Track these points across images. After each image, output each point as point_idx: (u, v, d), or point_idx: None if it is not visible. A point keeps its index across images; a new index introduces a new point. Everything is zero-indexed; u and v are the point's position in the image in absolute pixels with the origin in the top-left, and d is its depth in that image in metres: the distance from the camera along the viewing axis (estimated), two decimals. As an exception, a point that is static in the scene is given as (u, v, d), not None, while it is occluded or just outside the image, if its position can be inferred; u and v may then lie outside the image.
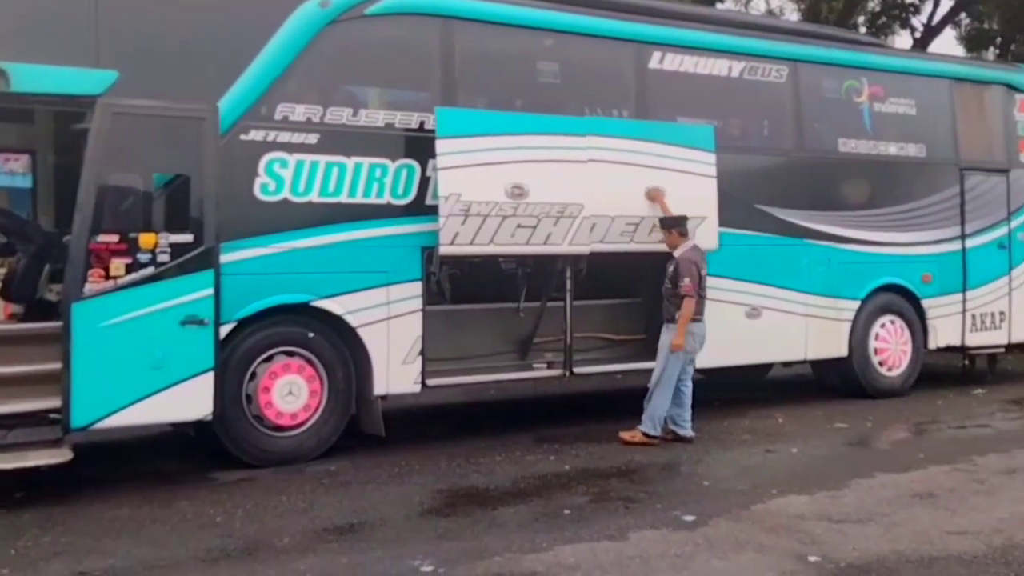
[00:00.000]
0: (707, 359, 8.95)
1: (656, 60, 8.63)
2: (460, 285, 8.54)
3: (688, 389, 7.93)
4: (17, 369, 6.29)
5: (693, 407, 8.00)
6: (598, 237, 7.80)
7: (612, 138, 7.95)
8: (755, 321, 9.14)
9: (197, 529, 5.64)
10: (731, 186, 8.93)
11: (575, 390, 10.57)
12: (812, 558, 5.00)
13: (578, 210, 7.66)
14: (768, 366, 11.14)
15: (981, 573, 4.77)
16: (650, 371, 7.94)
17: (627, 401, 9.98)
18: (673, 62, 8.70)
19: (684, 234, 7.83)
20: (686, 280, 7.57)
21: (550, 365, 8.31)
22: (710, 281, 8.72)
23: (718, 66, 9.00)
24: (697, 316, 7.74)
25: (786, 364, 10.62)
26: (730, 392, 10.48)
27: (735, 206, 8.93)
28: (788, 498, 6.19)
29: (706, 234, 8.16)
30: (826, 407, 9.60)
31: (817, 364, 10.17)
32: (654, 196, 7.98)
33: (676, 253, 7.77)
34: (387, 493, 6.43)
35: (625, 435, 7.72)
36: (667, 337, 7.80)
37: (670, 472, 6.98)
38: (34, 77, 6.06)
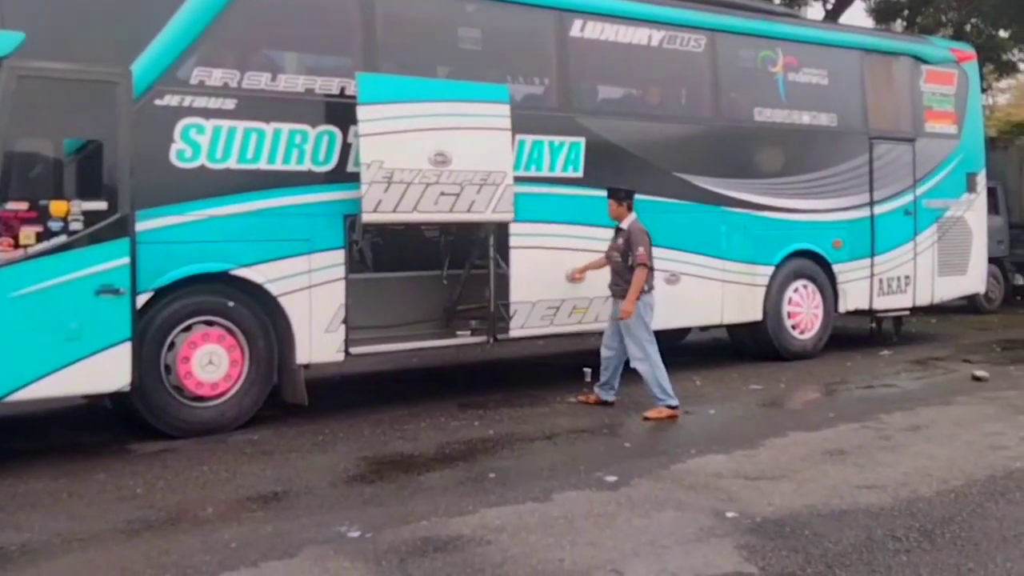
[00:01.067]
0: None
1: (577, 28, 8.67)
2: (384, 253, 8.51)
3: (622, 357, 7.92)
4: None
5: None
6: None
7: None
8: (674, 287, 9.31)
9: (116, 501, 5.55)
10: (650, 154, 9.09)
11: (498, 357, 10.65)
12: (729, 514, 5.16)
13: (501, 177, 7.68)
14: (686, 331, 11.37)
15: (888, 524, 4.98)
16: (572, 334, 8.06)
17: (550, 366, 10.20)
18: (594, 30, 8.75)
19: (631, 207, 7.86)
20: (640, 249, 7.55)
21: (474, 332, 8.35)
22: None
23: (639, 35, 9.09)
24: (648, 288, 7.73)
25: (703, 328, 10.86)
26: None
27: (655, 174, 9.09)
28: (706, 457, 6.37)
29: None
30: (741, 369, 9.88)
31: (733, 328, 10.45)
32: (577, 277, 8.40)
33: (625, 224, 7.76)
34: (311, 461, 6.42)
35: (651, 413, 7.58)
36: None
37: (592, 435, 7.11)
38: None
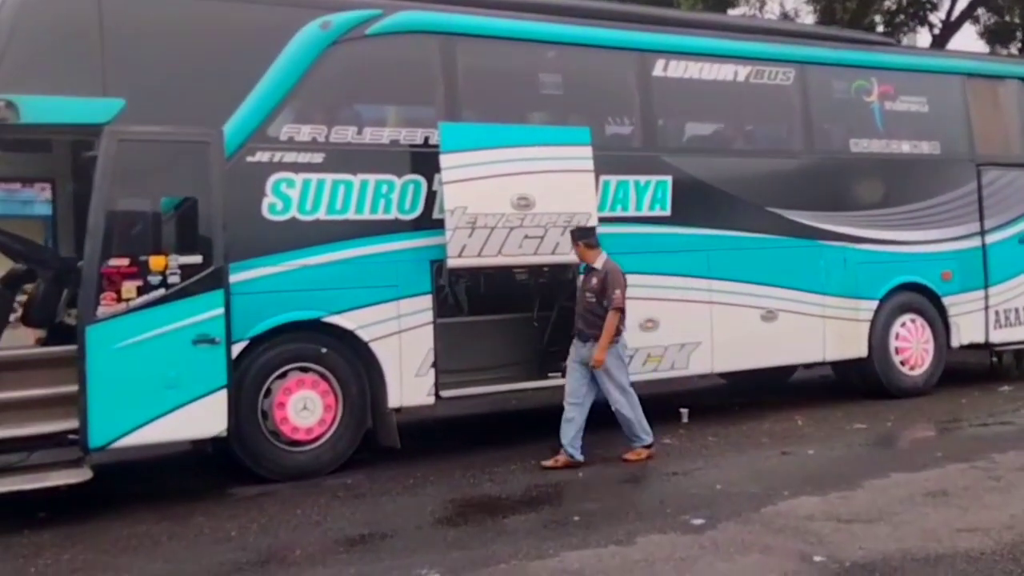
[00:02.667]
0: (723, 363, 9.01)
1: (660, 68, 8.67)
2: (478, 296, 8.62)
3: (586, 410, 7.47)
4: (37, 392, 6.45)
5: (587, 430, 7.62)
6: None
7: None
8: (771, 324, 9.12)
9: (212, 544, 5.75)
10: (741, 189, 8.97)
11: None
12: (817, 558, 4.98)
13: (585, 219, 7.71)
14: (791, 369, 11.07)
15: (987, 570, 4.72)
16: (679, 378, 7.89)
17: (645, 407, 10.05)
18: (677, 69, 8.74)
19: (595, 246, 7.46)
20: (617, 292, 7.20)
21: (564, 374, 8.32)
22: (724, 285, 8.82)
23: (724, 71, 9.02)
24: (622, 328, 7.40)
25: (807, 366, 10.55)
26: (751, 396, 10.46)
27: (747, 209, 8.97)
28: (799, 499, 6.17)
29: None
30: (847, 408, 9.53)
31: (838, 365, 10.10)
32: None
33: (598, 264, 7.38)
34: (401, 504, 6.50)
35: (631, 455, 7.44)
36: (610, 359, 7.36)
37: (683, 478, 6.97)
38: (42, 108, 6.23)
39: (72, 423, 6.33)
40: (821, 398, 10.20)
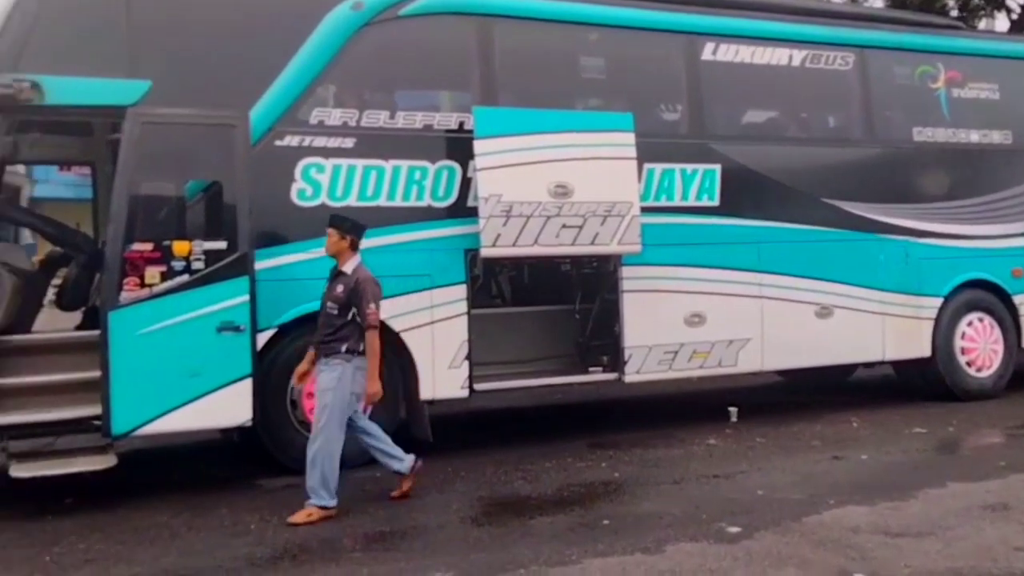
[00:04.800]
0: (774, 361, 8.64)
1: (709, 51, 8.31)
2: (512, 287, 8.38)
3: (378, 435, 6.33)
4: (63, 377, 6.39)
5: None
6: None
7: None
8: (826, 321, 8.72)
9: (230, 537, 5.62)
10: (795, 180, 8.58)
11: (639, 394, 10.27)
12: (858, 575, 4.64)
13: (627, 208, 7.40)
14: (850, 368, 10.61)
15: (1046, 594, 4.35)
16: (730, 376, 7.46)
17: (694, 404, 9.73)
18: (727, 53, 8.36)
19: (357, 246, 6.20)
20: (372, 307, 5.96)
21: (605, 369, 8.05)
22: (775, 279, 8.44)
23: (778, 55, 8.61)
24: (360, 348, 6.08)
25: (867, 365, 10.10)
26: (806, 395, 10.06)
27: (801, 200, 8.59)
28: (846, 509, 5.82)
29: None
30: (907, 411, 9.07)
31: (899, 365, 9.63)
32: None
33: (348, 269, 6.09)
34: (427, 500, 6.31)
35: (297, 517, 5.84)
36: (327, 377, 6.01)
37: (724, 481, 6.64)
38: (68, 89, 6.16)
39: (97, 409, 6.25)
40: (880, 399, 9.75)
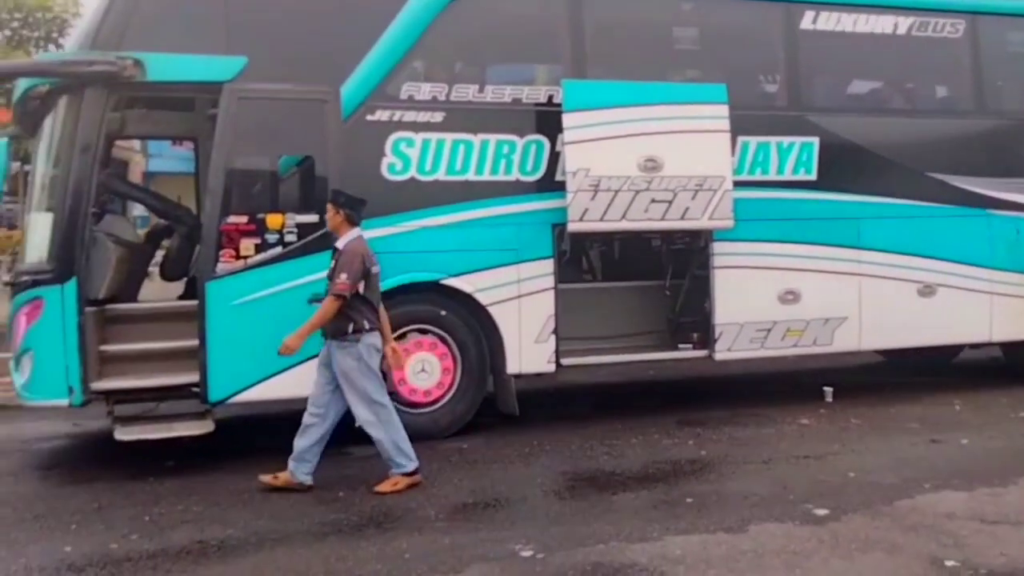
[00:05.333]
0: (872, 340, 8.39)
1: (809, 20, 8.04)
2: (601, 262, 8.34)
3: (329, 425, 6.05)
4: (165, 344, 6.66)
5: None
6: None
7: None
8: (929, 299, 8.41)
9: (318, 504, 5.77)
10: (898, 153, 8.27)
11: (731, 371, 10.11)
12: (949, 563, 4.50)
13: (719, 182, 7.26)
14: (955, 348, 10.20)
15: None
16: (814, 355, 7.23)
17: (785, 385, 9.52)
18: (828, 21, 8.08)
19: (353, 221, 6.03)
20: (343, 276, 5.76)
21: (695, 346, 7.95)
22: (875, 256, 8.16)
23: (882, 23, 8.27)
24: (369, 325, 5.91)
25: (973, 346, 9.70)
26: (906, 376, 9.72)
27: (904, 175, 8.28)
28: (941, 494, 5.63)
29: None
30: (1015, 394, 8.67)
31: (1008, 347, 9.23)
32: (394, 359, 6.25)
33: (341, 244, 5.97)
34: (511, 473, 6.36)
35: (384, 486, 5.95)
36: (345, 362, 5.88)
37: (814, 462, 6.49)
38: (168, 66, 6.37)
39: (196, 376, 6.49)
40: (986, 382, 9.33)
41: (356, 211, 6.02)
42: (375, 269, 5.96)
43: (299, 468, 6.00)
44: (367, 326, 5.88)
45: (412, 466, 5.98)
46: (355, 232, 6.00)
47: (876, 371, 10.30)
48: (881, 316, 8.19)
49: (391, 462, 5.98)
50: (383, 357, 6.03)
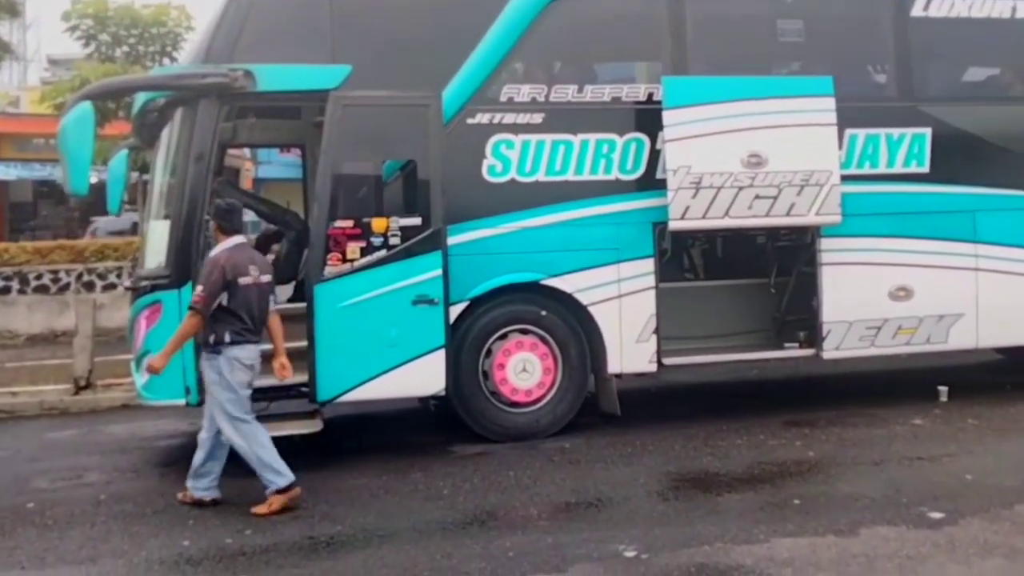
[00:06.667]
0: (990, 338, 8.05)
1: (920, 7, 7.77)
2: (704, 260, 8.24)
3: (218, 440, 5.87)
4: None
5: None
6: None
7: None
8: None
9: (423, 501, 5.87)
10: (1018, 143, 7.92)
11: (839, 371, 9.84)
12: (1074, 570, 4.30)
13: (826, 177, 7.09)
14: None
15: None
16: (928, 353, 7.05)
17: (901, 382, 9.21)
18: (941, 7, 7.79)
19: (226, 230, 5.86)
20: (199, 288, 5.64)
21: (802, 344, 7.77)
22: (993, 250, 7.83)
23: (999, 7, 7.93)
24: (230, 338, 5.67)
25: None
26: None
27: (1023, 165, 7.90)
28: (1066, 499, 5.38)
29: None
30: None
31: None
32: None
33: (212, 253, 5.86)
34: (613, 473, 6.34)
35: (259, 508, 5.69)
36: (208, 375, 5.76)
37: (928, 464, 6.29)
38: (277, 76, 6.58)
39: (305, 377, 6.67)
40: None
41: (227, 220, 5.89)
42: (245, 280, 5.69)
43: (196, 484, 5.88)
44: (227, 339, 5.66)
45: (284, 481, 5.70)
46: (230, 241, 5.83)
47: (995, 370, 9.86)
48: (999, 312, 7.85)
49: (262, 479, 5.73)
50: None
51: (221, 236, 5.89)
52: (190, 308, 5.71)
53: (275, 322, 5.94)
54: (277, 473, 5.70)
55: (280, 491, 5.69)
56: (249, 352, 5.77)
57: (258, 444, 5.75)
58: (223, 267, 5.65)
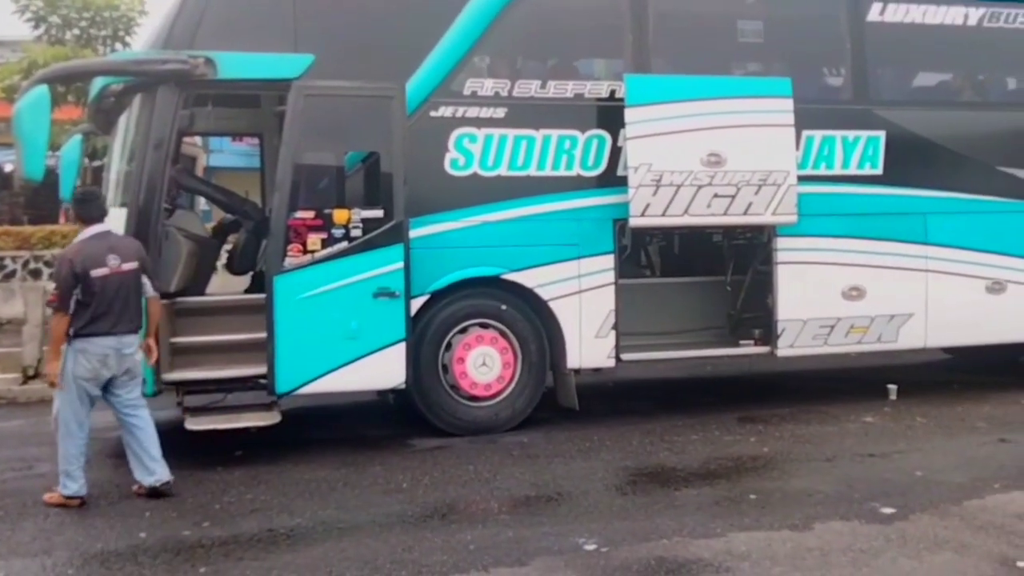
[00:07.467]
0: (938, 338, 8.25)
1: (876, 12, 7.92)
2: (662, 258, 8.31)
3: (140, 420, 5.83)
4: (233, 337, 6.78)
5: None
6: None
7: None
8: (998, 296, 8.27)
9: (383, 494, 5.85)
10: (967, 147, 8.13)
11: (792, 369, 10.00)
12: (1021, 563, 4.44)
13: (783, 177, 7.19)
14: (1024, 347, 9.98)
15: None
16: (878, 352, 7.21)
17: (852, 380, 9.40)
18: (896, 13, 7.95)
19: (85, 219, 5.73)
20: (52, 287, 5.61)
21: (757, 342, 7.89)
22: (943, 251, 8.01)
23: (951, 15, 8.12)
24: (75, 331, 5.55)
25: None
26: (973, 375, 9.52)
27: (974, 169, 8.14)
28: (1011, 495, 5.55)
29: None
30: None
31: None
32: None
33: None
34: (572, 468, 6.38)
35: (49, 496, 5.71)
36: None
37: (880, 460, 6.41)
38: (238, 64, 6.49)
39: (263, 368, 6.61)
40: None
41: (84, 209, 5.75)
42: (100, 271, 5.52)
43: (67, 480, 5.72)
44: (72, 332, 5.55)
45: (69, 492, 5.64)
46: (87, 232, 5.69)
47: (942, 369, 10.12)
48: (948, 313, 8.05)
49: (59, 474, 5.69)
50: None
51: (81, 225, 5.74)
52: (50, 306, 5.61)
53: (152, 306, 5.86)
54: (73, 480, 5.65)
55: (65, 496, 5.65)
56: (97, 345, 5.59)
57: (67, 443, 5.66)
58: (71, 261, 5.53)
